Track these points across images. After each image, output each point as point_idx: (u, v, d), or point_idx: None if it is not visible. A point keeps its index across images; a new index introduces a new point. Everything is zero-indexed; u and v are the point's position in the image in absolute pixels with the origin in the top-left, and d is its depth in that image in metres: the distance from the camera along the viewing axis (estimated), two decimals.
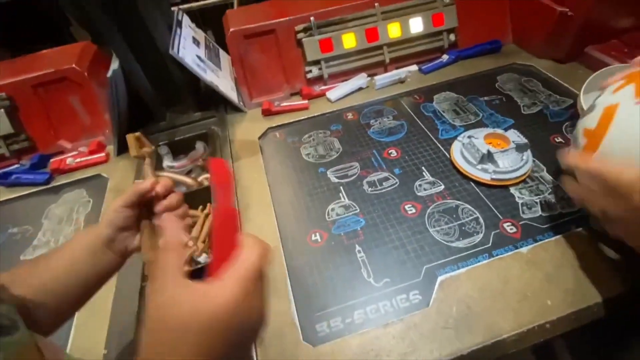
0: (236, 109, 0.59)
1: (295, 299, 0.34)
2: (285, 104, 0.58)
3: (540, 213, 0.38)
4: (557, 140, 0.46)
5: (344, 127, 0.54)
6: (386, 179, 0.45)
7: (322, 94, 0.60)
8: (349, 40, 0.58)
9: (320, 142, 0.52)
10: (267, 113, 0.58)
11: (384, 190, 0.43)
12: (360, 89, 0.60)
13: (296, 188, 0.46)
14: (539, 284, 0.32)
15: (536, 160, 0.43)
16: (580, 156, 0.30)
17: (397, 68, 0.61)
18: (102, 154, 0.55)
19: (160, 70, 0.52)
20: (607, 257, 0.34)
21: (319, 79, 0.60)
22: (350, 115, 0.56)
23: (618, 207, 0.26)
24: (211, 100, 0.59)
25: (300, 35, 0.57)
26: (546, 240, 0.36)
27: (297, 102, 0.58)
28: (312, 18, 0.56)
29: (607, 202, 0.27)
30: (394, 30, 0.59)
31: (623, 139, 0.27)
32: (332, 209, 0.42)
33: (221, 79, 0.57)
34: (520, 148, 0.42)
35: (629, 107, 0.28)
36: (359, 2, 0.58)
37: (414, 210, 0.40)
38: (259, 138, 0.54)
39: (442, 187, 0.42)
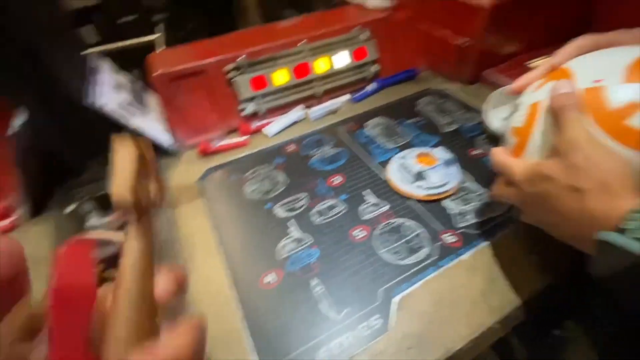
0: (169, 152, 0.56)
1: (257, 349, 0.32)
2: (223, 142, 0.57)
3: (473, 220, 0.42)
4: (474, 153, 0.52)
5: (287, 160, 0.54)
6: (333, 206, 0.45)
7: (260, 129, 0.60)
8: (281, 77, 0.60)
9: (265, 176, 0.51)
10: (205, 153, 0.56)
11: (333, 217, 0.44)
12: (297, 121, 0.61)
13: (244, 228, 0.44)
14: (484, 286, 0.35)
15: (462, 172, 0.48)
16: (495, 151, 0.33)
17: (330, 99, 0.64)
18: (9, 220, 0.47)
19: (77, 120, 0.47)
20: (536, 249, 0.38)
21: (256, 115, 0.61)
22: (291, 148, 0.57)
23: (513, 194, 0.31)
24: None
25: (231, 75, 0.57)
26: (483, 244, 0.39)
27: (236, 139, 0.58)
28: (242, 57, 0.57)
29: (509, 191, 0.31)
30: (322, 65, 0.63)
31: (548, 130, 0.29)
32: (284, 245, 0.41)
33: (150, 122, 0.54)
34: (447, 163, 0.47)
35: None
36: (287, 40, 0.61)
37: (364, 234, 0.41)
38: (198, 180, 0.52)
39: (386, 207, 0.44)
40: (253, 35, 0.66)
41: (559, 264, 0.36)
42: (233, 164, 0.55)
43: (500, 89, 0.57)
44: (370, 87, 0.67)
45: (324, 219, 0.44)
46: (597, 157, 0.25)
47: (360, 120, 0.61)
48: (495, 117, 0.54)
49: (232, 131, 0.61)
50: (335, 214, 0.44)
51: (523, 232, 0.39)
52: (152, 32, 1.63)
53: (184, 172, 0.54)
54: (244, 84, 0.58)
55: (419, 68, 0.71)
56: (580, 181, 0.25)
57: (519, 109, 0.33)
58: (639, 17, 0.60)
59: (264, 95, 0.60)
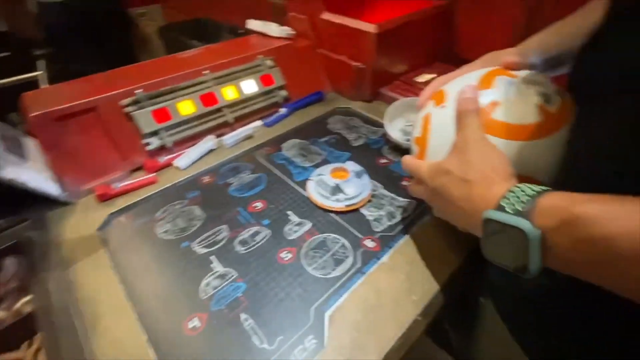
0: (60, 202, 0.49)
1: None
2: (126, 182, 0.52)
3: (388, 223, 0.45)
4: (382, 161, 0.57)
5: (202, 192, 0.51)
6: (257, 232, 0.44)
7: (169, 164, 0.56)
8: (186, 107, 0.58)
9: (178, 214, 0.48)
10: (105, 198, 0.50)
11: (257, 245, 0.43)
12: (211, 150, 0.59)
13: (159, 274, 0.40)
14: (403, 284, 0.38)
15: (373, 181, 0.52)
16: (405, 158, 0.39)
17: (243, 125, 0.64)
18: None
19: None
20: (444, 239, 0.42)
21: (163, 149, 0.57)
22: (206, 179, 0.54)
23: (423, 191, 0.36)
24: (21, 200, 0.47)
25: (128, 109, 0.53)
26: (398, 244, 0.42)
27: (142, 177, 0.53)
28: (139, 91, 0.54)
29: (420, 189, 0.36)
30: (229, 93, 0.62)
31: (437, 135, 0.36)
32: (207, 284, 0.38)
33: (29, 171, 0.46)
34: (358, 174, 0.50)
35: (435, 112, 0.37)
36: (188, 72, 0.59)
37: (290, 256, 0.41)
38: (99, 229, 0.46)
39: (309, 224, 0.45)
40: (152, 67, 0.63)
41: (462, 248, 0.41)
42: (140, 205, 0.50)
43: (394, 103, 0.64)
44: (281, 111, 0.69)
45: (248, 248, 0.42)
46: (483, 153, 0.30)
47: (276, 143, 0.62)
48: (394, 129, 0.60)
49: (137, 169, 0.56)
50: (260, 241, 0.43)
51: (431, 226, 0.44)
52: (32, 69, 1.43)
53: (81, 222, 0.47)
54: (145, 117, 0.54)
55: (325, 90, 0.76)
56: (469, 173, 0.29)
57: (416, 122, 0.40)
58: (484, 43, 0.75)
59: (170, 128, 0.57)
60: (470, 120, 0.32)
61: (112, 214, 0.48)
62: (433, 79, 0.73)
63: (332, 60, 0.73)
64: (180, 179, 0.54)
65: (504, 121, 0.32)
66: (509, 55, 0.38)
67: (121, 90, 0.53)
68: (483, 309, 0.42)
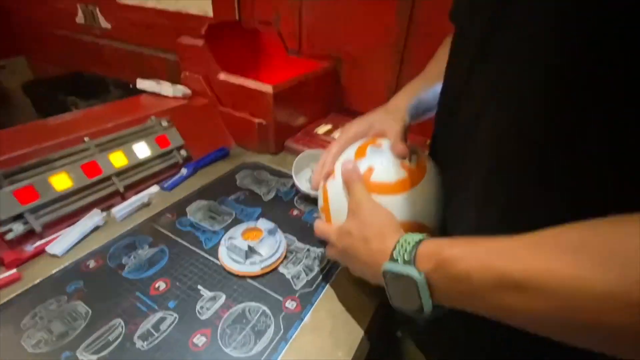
0: None
1: None
2: None
3: (306, 278, 0.45)
4: (294, 213, 0.58)
5: (87, 282, 0.43)
6: (162, 319, 0.39)
7: (40, 252, 0.46)
8: (62, 181, 0.50)
9: (55, 316, 0.39)
10: None
11: (163, 335, 0.37)
12: (97, 228, 0.51)
13: None
14: (327, 342, 0.37)
15: (288, 236, 0.52)
16: (317, 223, 0.42)
17: (136, 193, 0.58)
18: None
19: None
20: (359, 286, 0.44)
21: (30, 235, 0.47)
22: (92, 264, 0.46)
23: (334, 252, 0.39)
24: None
25: None
26: (318, 299, 0.42)
27: None
28: None
29: (332, 250, 0.40)
30: (118, 160, 0.56)
31: (335, 201, 0.41)
32: None
33: None
34: (271, 232, 0.49)
35: (329, 184, 0.42)
36: (63, 140, 0.52)
37: (204, 340, 0.37)
38: None
39: (224, 297, 0.42)
40: (10, 138, 0.52)
41: (376, 292, 0.43)
42: None
43: (300, 154, 0.67)
44: (182, 172, 0.65)
45: (152, 342, 0.36)
46: (373, 212, 0.35)
47: (179, 207, 0.57)
48: (302, 180, 0.62)
49: None
50: (166, 329, 0.38)
51: (347, 274, 0.46)
52: None
53: None
54: (2, 200, 0.44)
55: (230, 146, 0.75)
56: (366, 231, 0.33)
57: (319, 195, 0.44)
58: (365, 98, 0.87)
59: (39, 208, 0.47)
60: (357, 187, 0.37)
61: None
62: (330, 129, 0.81)
63: (234, 117, 0.74)
64: (56, 270, 0.44)
65: (380, 181, 0.38)
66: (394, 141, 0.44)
67: None
68: (401, 342, 0.45)
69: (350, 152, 0.42)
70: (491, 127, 0.26)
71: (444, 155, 0.38)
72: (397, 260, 0.28)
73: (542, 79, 0.21)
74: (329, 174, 0.43)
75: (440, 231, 0.38)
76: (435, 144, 0.41)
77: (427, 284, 0.25)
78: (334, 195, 0.41)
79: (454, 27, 0.35)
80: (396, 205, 0.36)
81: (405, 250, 0.28)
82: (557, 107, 0.21)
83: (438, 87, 0.47)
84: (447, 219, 0.37)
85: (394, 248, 0.29)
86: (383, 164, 0.39)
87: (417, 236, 0.29)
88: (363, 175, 0.38)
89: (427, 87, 0.47)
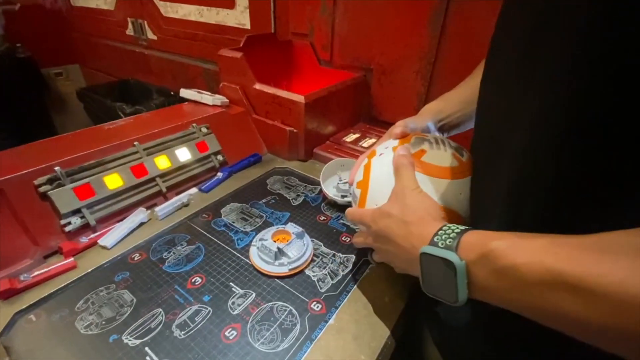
0: None
1: None
2: (38, 272, 0.45)
3: (331, 282, 0.47)
4: (322, 219, 0.60)
5: (132, 273, 0.47)
6: (197, 312, 0.42)
7: (93, 244, 0.51)
8: (114, 181, 0.55)
9: (104, 302, 0.43)
10: (9, 294, 0.42)
11: (198, 326, 0.40)
12: (142, 224, 0.56)
13: None
14: (350, 345, 0.39)
15: (314, 240, 0.54)
16: (349, 210, 0.43)
17: (177, 194, 0.62)
18: None
19: None
20: (383, 292, 0.45)
21: (85, 228, 0.52)
22: (137, 256, 0.50)
23: (366, 236, 0.40)
24: None
25: (44, 189, 0.48)
26: (342, 303, 0.44)
27: (58, 263, 0.47)
28: (57, 168, 0.50)
29: (363, 235, 0.40)
30: (162, 163, 0.61)
31: (375, 180, 0.42)
32: None
33: None
34: (299, 236, 0.52)
35: (374, 160, 0.43)
36: (115, 144, 0.57)
37: (235, 333, 0.39)
38: (1, 335, 0.38)
39: (254, 295, 0.44)
40: (74, 140, 0.59)
41: (400, 299, 0.44)
42: (55, 297, 0.44)
43: (329, 162, 0.69)
44: (218, 175, 0.69)
45: (188, 332, 0.39)
46: (418, 200, 0.35)
47: (214, 208, 0.61)
48: (329, 187, 0.64)
49: (52, 254, 0.49)
50: (201, 321, 0.41)
51: (370, 281, 0.47)
52: None
53: None
54: (64, 196, 0.50)
55: (262, 152, 0.79)
56: (407, 215, 0.34)
57: (357, 171, 0.46)
58: (394, 108, 0.88)
59: (94, 204, 0.53)
60: (406, 172, 0.38)
61: (18, 312, 0.41)
62: (358, 138, 0.82)
63: (267, 125, 0.77)
64: (106, 261, 0.49)
65: (431, 162, 0.39)
66: (399, 127, 0.46)
67: (35, 168, 0.49)
68: (424, 350, 0.45)
69: (394, 142, 0.44)
70: (523, 135, 0.26)
71: (476, 161, 0.39)
72: (437, 244, 0.28)
73: (582, 86, 0.21)
74: (373, 154, 0.45)
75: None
76: (471, 150, 0.41)
77: (465, 271, 0.25)
78: (378, 171, 0.42)
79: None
80: (440, 189, 0.37)
81: (449, 236, 0.28)
82: (593, 112, 0.20)
83: (464, 111, 0.47)
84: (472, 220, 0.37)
85: (436, 233, 0.29)
86: (435, 149, 0.40)
87: (461, 226, 0.29)
88: (414, 154, 0.39)
89: (464, 94, 0.48)
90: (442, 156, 0.39)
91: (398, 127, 0.45)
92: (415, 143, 0.41)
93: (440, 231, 0.29)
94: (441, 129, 0.48)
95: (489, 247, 0.24)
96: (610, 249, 0.19)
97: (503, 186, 0.28)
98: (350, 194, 0.47)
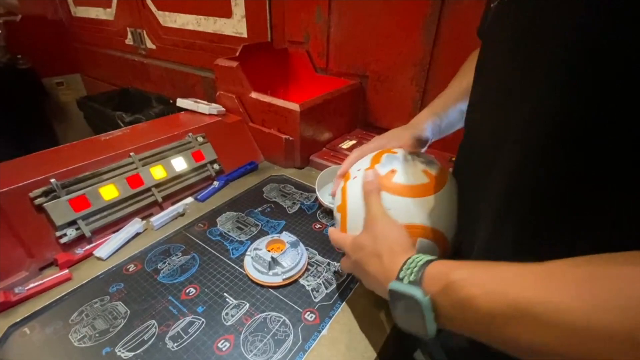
0: None
1: None
2: (33, 285, 0.45)
3: (325, 291, 0.47)
4: (317, 227, 0.60)
5: (127, 284, 0.47)
6: (190, 323, 0.42)
7: (88, 255, 0.51)
8: (110, 192, 0.55)
9: (98, 314, 0.43)
10: (4, 307, 0.43)
11: (191, 338, 0.40)
12: (137, 234, 0.56)
13: None
14: (344, 356, 0.38)
15: (309, 249, 0.54)
16: (332, 231, 0.43)
17: (173, 204, 0.63)
18: None
19: None
20: (377, 303, 0.45)
21: (81, 239, 0.52)
22: (132, 267, 0.50)
23: (348, 263, 0.39)
24: None
25: (39, 201, 0.49)
26: (336, 313, 0.44)
27: (53, 275, 0.47)
28: (52, 180, 0.50)
29: (347, 262, 0.40)
30: (158, 173, 0.62)
31: (353, 201, 0.41)
32: None
33: None
34: (293, 245, 0.52)
35: (349, 183, 0.43)
36: (111, 154, 0.58)
37: (228, 345, 0.39)
38: None
39: (247, 305, 0.44)
40: (70, 152, 0.59)
41: None
42: (50, 309, 0.44)
43: (325, 170, 0.69)
44: (214, 184, 0.69)
45: (181, 344, 0.39)
46: (386, 227, 0.35)
47: (210, 218, 0.62)
48: (325, 194, 0.65)
49: (47, 265, 0.50)
50: (194, 332, 0.41)
51: (364, 291, 0.47)
52: None
53: None
54: (60, 208, 0.50)
55: (258, 160, 0.80)
56: (378, 246, 0.34)
57: (337, 194, 0.45)
58: (390, 114, 0.88)
59: (90, 215, 0.53)
60: (374, 199, 0.38)
61: (12, 325, 0.41)
62: (354, 145, 0.82)
63: (263, 133, 0.78)
64: (101, 272, 0.49)
65: (401, 183, 0.39)
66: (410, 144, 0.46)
67: (31, 180, 0.49)
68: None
69: (367, 158, 0.44)
70: (512, 151, 0.26)
71: (466, 171, 0.39)
72: (402, 279, 0.28)
73: (570, 100, 0.21)
74: (344, 174, 0.45)
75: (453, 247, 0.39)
76: (459, 160, 0.41)
77: (431, 306, 0.25)
78: (353, 195, 0.42)
79: (482, 42, 0.35)
80: (415, 209, 0.37)
81: (412, 270, 0.28)
82: (583, 129, 0.21)
83: (460, 105, 0.48)
84: (460, 235, 0.37)
85: (401, 268, 0.29)
86: (405, 167, 0.40)
87: (425, 257, 0.29)
88: (385, 176, 0.39)
89: (449, 105, 0.48)
90: (413, 174, 0.39)
91: (347, 162, 0.46)
92: (386, 163, 0.41)
93: (405, 265, 0.29)
94: (439, 134, 0.48)
95: (450, 279, 0.24)
96: (563, 277, 0.19)
97: (492, 197, 0.28)
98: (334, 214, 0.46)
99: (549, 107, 0.22)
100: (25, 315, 0.43)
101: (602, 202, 0.21)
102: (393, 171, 0.39)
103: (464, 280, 0.24)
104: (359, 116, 0.92)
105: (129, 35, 1.50)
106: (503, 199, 0.27)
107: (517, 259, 0.22)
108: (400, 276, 0.29)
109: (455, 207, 0.39)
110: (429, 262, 0.28)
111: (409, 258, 0.30)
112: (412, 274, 0.28)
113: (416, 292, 0.26)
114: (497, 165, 0.28)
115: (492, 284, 0.22)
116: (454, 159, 0.42)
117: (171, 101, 1.42)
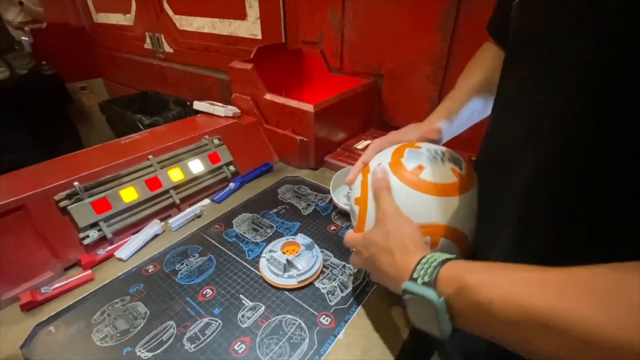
0: None
1: None
2: (58, 284, 0.47)
3: (341, 295, 0.46)
4: (332, 229, 0.59)
5: (146, 285, 0.48)
6: (207, 325, 0.42)
7: (109, 256, 0.53)
8: (129, 194, 0.57)
9: (119, 314, 0.44)
10: (31, 306, 0.44)
11: (208, 339, 0.41)
12: (156, 236, 0.57)
13: None
14: (362, 358, 0.38)
15: (324, 251, 0.54)
16: (347, 233, 0.42)
17: (190, 205, 0.64)
18: None
19: None
20: (393, 307, 0.44)
21: (102, 241, 0.54)
22: (151, 268, 0.51)
23: (359, 260, 0.39)
24: None
25: (63, 204, 0.51)
26: (352, 317, 0.43)
27: (77, 275, 0.49)
28: (76, 183, 0.52)
29: (357, 258, 0.39)
30: (175, 175, 0.63)
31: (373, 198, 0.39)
32: None
33: None
34: (308, 247, 0.51)
35: (371, 178, 0.41)
36: (131, 158, 0.59)
37: (244, 347, 0.39)
38: (23, 347, 0.40)
39: (263, 307, 0.44)
40: (91, 156, 0.61)
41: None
42: (74, 309, 0.45)
43: (339, 171, 0.69)
44: (231, 185, 0.70)
45: (198, 345, 0.40)
46: (399, 224, 0.35)
47: (226, 219, 0.62)
48: (340, 195, 0.64)
49: (72, 266, 0.51)
50: (211, 334, 0.41)
51: (380, 294, 0.46)
52: None
53: (0, 341, 0.41)
54: (83, 210, 0.52)
55: (273, 161, 0.80)
56: (391, 243, 0.33)
57: (355, 185, 0.44)
58: (406, 112, 0.86)
59: (110, 217, 0.55)
60: (384, 195, 0.37)
61: (39, 324, 0.43)
62: (369, 145, 0.81)
63: (278, 135, 0.78)
64: (121, 272, 0.50)
65: (429, 180, 0.37)
66: (429, 130, 0.45)
67: (55, 184, 0.51)
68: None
69: (387, 152, 0.42)
70: (537, 154, 0.25)
71: (486, 174, 0.37)
72: (416, 280, 0.28)
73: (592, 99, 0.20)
74: (366, 164, 0.44)
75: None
76: (480, 161, 0.40)
77: (446, 307, 0.25)
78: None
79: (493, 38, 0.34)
80: (440, 208, 0.36)
81: (427, 271, 0.27)
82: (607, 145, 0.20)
83: (470, 104, 0.46)
84: (478, 238, 0.36)
85: (415, 268, 0.29)
86: (433, 164, 0.38)
87: (439, 256, 0.28)
88: (411, 172, 0.38)
89: (459, 106, 0.46)
90: (441, 172, 0.38)
91: (367, 153, 0.45)
92: (411, 157, 0.40)
93: (419, 265, 0.29)
94: (457, 129, 0.47)
95: (464, 282, 0.24)
96: (582, 285, 0.19)
97: (514, 201, 0.27)
98: (352, 207, 0.45)
99: (573, 111, 0.21)
100: (51, 315, 0.44)
101: (628, 210, 0.20)
102: (420, 167, 0.38)
103: (480, 284, 0.23)
104: (374, 116, 0.91)
105: (148, 40, 1.54)
106: (524, 205, 0.26)
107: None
108: (414, 276, 0.28)
109: (476, 209, 0.38)
110: (443, 262, 0.27)
111: (423, 257, 0.29)
112: (426, 275, 0.27)
113: (430, 294, 0.26)
114: (519, 170, 0.27)
115: (507, 289, 0.21)
116: (473, 158, 0.40)
117: (188, 103, 1.45)
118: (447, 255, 0.28)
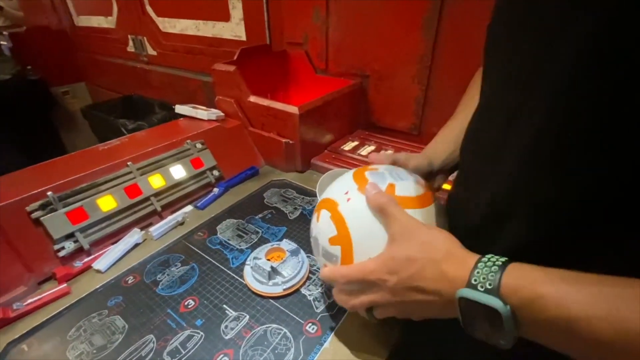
0: None
1: None
2: (31, 300, 0.45)
3: (328, 301, 0.45)
4: None
5: (126, 297, 0.47)
6: (189, 337, 0.41)
7: (87, 268, 0.51)
8: (107, 203, 0.55)
9: (96, 329, 0.42)
10: (2, 324, 0.42)
11: (189, 352, 0.39)
12: (136, 245, 0.55)
13: None
14: None
15: (310, 256, 0.52)
16: (332, 270, 0.35)
17: (172, 213, 0.62)
18: None
19: None
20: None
21: (79, 252, 0.52)
22: (131, 279, 0.49)
23: (378, 294, 0.31)
24: None
25: (36, 215, 0.48)
26: (339, 325, 0.42)
27: (51, 290, 0.47)
28: (49, 193, 0.50)
29: (372, 295, 0.32)
30: (156, 181, 0.61)
31: (360, 227, 0.34)
32: None
33: None
34: (294, 253, 0.50)
35: (344, 207, 0.36)
36: (109, 165, 0.57)
37: None
38: None
39: (247, 317, 0.43)
40: (67, 164, 0.59)
41: (396, 324, 0.42)
42: (48, 325, 0.43)
43: (326, 173, 0.67)
44: (214, 191, 0.68)
45: (179, 359, 0.38)
46: (432, 233, 0.30)
47: (210, 226, 0.61)
48: None
49: (46, 280, 0.49)
50: (193, 347, 0.39)
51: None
52: None
53: None
54: (57, 221, 0.50)
55: (259, 165, 0.78)
56: (433, 253, 0.28)
57: (322, 227, 0.37)
58: (392, 113, 0.86)
59: (88, 227, 0.53)
60: (394, 209, 0.32)
61: (11, 342, 0.41)
62: (356, 146, 0.81)
63: (263, 137, 0.77)
64: (99, 285, 0.48)
65: (405, 195, 0.36)
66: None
67: (27, 194, 0.49)
68: None
69: (346, 181, 0.39)
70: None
71: (467, 172, 0.36)
72: (476, 286, 0.25)
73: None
74: (333, 204, 0.37)
75: None
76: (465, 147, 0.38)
77: (512, 316, 0.23)
78: (358, 220, 0.35)
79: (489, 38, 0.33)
80: (426, 219, 0.35)
81: (487, 276, 0.24)
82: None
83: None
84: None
85: (472, 272, 0.25)
86: (400, 180, 0.37)
87: (497, 258, 0.25)
88: (386, 189, 0.35)
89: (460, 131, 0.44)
90: (410, 186, 0.37)
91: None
92: (376, 179, 0.37)
93: (477, 269, 0.25)
94: (444, 168, 0.45)
95: (536, 293, 0.22)
96: None
97: (499, 199, 0.27)
98: (321, 253, 0.38)
99: (564, 102, 0.21)
100: (24, 332, 0.42)
101: (619, 208, 0.20)
102: (392, 185, 0.36)
103: (554, 297, 0.21)
104: (361, 117, 0.90)
105: (130, 43, 1.51)
106: (509, 204, 0.25)
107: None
108: (473, 282, 0.25)
109: (444, 211, 0.38)
110: (504, 263, 0.25)
111: (480, 261, 0.26)
112: (487, 281, 0.24)
113: (496, 303, 0.23)
114: (500, 168, 0.26)
115: (595, 307, 0.20)
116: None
117: (173, 107, 1.42)
118: (503, 258, 0.26)
